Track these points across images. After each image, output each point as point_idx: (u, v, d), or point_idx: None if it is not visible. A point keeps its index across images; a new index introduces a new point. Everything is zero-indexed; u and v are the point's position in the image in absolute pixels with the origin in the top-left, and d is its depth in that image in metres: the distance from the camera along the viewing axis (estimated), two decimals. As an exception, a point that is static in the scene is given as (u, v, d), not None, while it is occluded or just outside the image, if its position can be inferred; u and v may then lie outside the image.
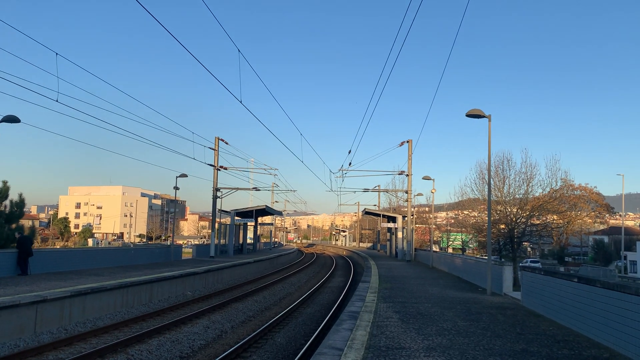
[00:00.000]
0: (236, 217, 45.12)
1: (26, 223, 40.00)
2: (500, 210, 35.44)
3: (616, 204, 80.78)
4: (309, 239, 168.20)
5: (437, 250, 58.70)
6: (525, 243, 51.81)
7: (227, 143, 38.76)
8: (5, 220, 22.14)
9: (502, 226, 35.80)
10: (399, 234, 44.27)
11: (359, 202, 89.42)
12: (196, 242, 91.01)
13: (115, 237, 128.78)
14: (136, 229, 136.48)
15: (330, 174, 60.87)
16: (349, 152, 71.41)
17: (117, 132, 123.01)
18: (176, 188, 35.84)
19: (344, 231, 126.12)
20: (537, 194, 36.24)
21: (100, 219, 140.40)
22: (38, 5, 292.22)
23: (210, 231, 41.02)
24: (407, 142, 39.70)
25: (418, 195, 48.03)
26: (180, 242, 76.42)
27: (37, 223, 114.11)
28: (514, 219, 35.01)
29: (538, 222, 37.14)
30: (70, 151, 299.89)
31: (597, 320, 9.64)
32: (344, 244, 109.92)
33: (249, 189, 48.07)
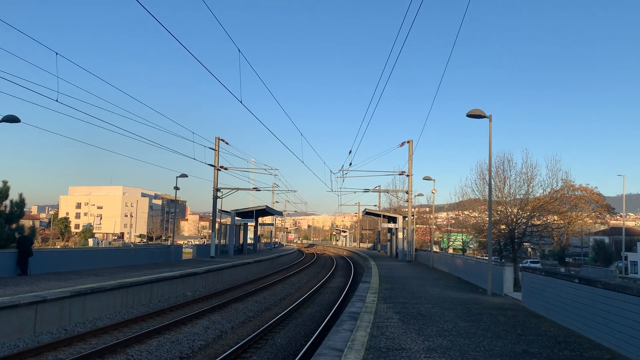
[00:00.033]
0: (236, 218, 45.10)
1: (26, 223, 40.00)
2: (500, 211, 35.44)
3: (617, 204, 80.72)
4: (310, 240, 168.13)
5: (438, 250, 58.68)
6: (526, 244, 51.82)
7: (227, 143, 38.76)
8: (5, 220, 22.13)
9: (503, 227, 35.80)
10: (400, 235, 44.26)
11: (359, 203, 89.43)
12: (196, 243, 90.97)
13: (116, 237, 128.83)
14: (136, 229, 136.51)
15: (330, 174, 60.57)
16: (350, 152, 71.48)
17: (117, 132, 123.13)
18: (176, 188, 35.87)
19: (344, 231, 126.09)
20: (537, 195, 36.29)
21: (101, 219, 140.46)
22: (38, 5, 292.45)
23: (210, 231, 41.00)
24: (408, 142, 39.68)
25: (418, 195, 47.89)
26: (181, 242, 76.41)
27: (37, 223, 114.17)
28: (514, 220, 35.00)
29: (539, 222, 37.15)
30: (70, 151, 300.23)
31: (598, 322, 9.61)
32: (344, 245, 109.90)
33: (249, 189, 48.07)
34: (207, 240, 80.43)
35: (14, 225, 22.49)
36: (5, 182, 22.59)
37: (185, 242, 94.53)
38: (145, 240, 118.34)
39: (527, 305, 14.28)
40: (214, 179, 38.45)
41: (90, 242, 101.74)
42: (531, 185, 35.44)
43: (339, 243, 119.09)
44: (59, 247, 75.68)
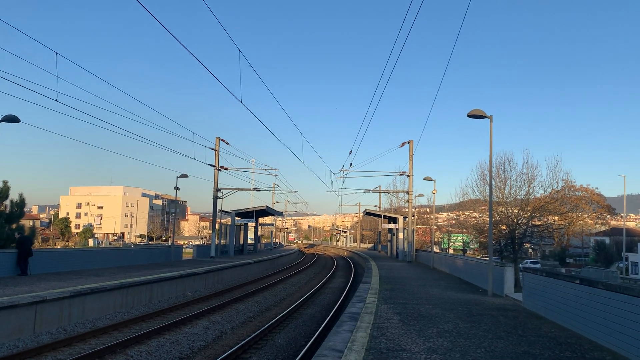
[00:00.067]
0: (237, 218, 45.07)
1: (27, 223, 39.98)
2: (501, 211, 35.37)
3: (618, 205, 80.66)
4: (310, 240, 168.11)
5: (438, 251, 58.62)
6: (527, 244, 51.73)
7: (227, 143, 38.74)
8: (5, 220, 22.09)
9: (504, 227, 35.72)
10: (400, 235, 44.22)
11: (359, 203, 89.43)
12: (197, 243, 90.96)
13: (116, 238, 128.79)
14: (137, 229, 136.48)
15: (331, 174, 60.67)
16: (350, 152, 71.47)
17: (117, 132, 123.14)
18: (177, 188, 35.84)
19: (344, 232, 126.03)
20: (538, 195, 36.18)
21: (101, 219, 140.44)
22: (38, 5, 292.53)
23: (210, 232, 40.97)
24: (408, 142, 39.64)
25: (419, 196, 47.88)
26: (181, 242, 76.40)
27: (38, 223, 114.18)
28: (515, 220, 34.92)
29: (539, 223, 37.04)
30: (71, 151, 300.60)
31: (599, 323, 9.57)
32: (344, 245, 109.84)
33: (249, 190, 48.05)
34: (208, 241, 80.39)
35: (14, 225, 22.46)
36: (5, 182, 22.56)
37: (186, 242, 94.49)
38: (145, 241, 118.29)
39: (527, 306, 14.24)
40: (214, 179, 38.43)
41: (91, 242, 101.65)
42: (532, 185, 35.37)
43: (340, 243, 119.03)
44: (59, 247, 75.65)
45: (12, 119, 17.35)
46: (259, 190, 47.33)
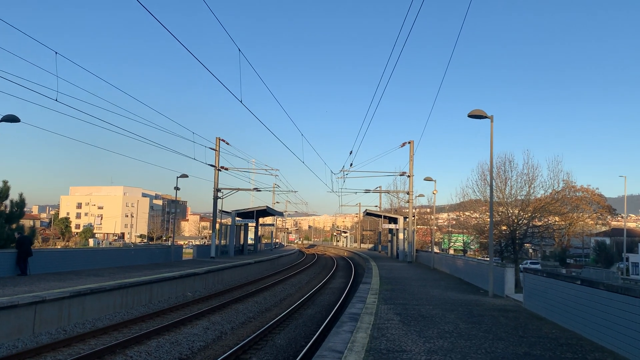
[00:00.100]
0: (237, 218, 45.06)
1: (27, 223, 39.99)
2: (501, 212, 35.34)
3: (618, 205, 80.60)
4: (310, 240, 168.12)
5: (438, 251, 58.56)
6: (527, 245, 51.68)
7: (228, 143, 38.72)
8: (5, 220, 22.09)
9: (504, 227, 35.70)
10: (400, 235, 44.18)
11: (360, 203, 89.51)
12: (197, 243, 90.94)
13: (116, 238, 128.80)
14: (137, 229, 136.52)
15: (331, 174, 60.78)
16: (350, 152, 71.40)
17: (117, 132, 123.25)
18: (177, 188, 35.79)
19: (345, 232, 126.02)
20: (539, 196, 36.19)
21: (102, 219, 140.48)
22: (38, 4, 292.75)
23: (211, 232, 40.94)
24: (409, 143, 39.62)
25: (419, 196, 47.84)
26: (181, 242, 76.36)
27: (38, 223, 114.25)
28: (515, 221, 34.90)
29: (540, 223, 37.04)
30: (71, 151, 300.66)
31: (600, 324, 9.53)
32: (345, 245, 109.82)
33: (249, 190, 48.03)
34: (208, 241, 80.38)
35: (14, 225, 22.46)
36: (5, 182, 22.56)
37: (186, 242, 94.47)
38: (145, 241, 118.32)
39: (528, 306, 14.20)
40: (215, 180, 38.41)
41: (91, 242, 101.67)
42: (532, 186, 35.38)
43: (340, 244, 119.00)
44: (59, 247, 75.66)
45: (12, 118, 17.32)
46: (259, 191, 47.37)
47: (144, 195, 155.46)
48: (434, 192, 34.85)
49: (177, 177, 34.86)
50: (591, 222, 73.32)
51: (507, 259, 36.70)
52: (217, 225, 40.21)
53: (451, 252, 70.08)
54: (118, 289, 16.65)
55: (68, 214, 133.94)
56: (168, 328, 14.13)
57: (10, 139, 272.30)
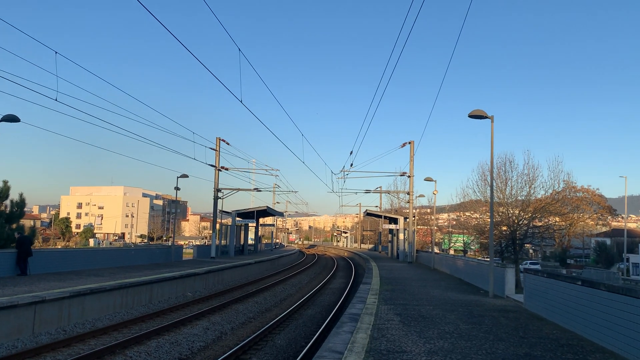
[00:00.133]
0: (237, 218, 45.05)
1: (27, 223, 39.99)
2: (502, 212, 35.28)
3: (619, 206, 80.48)
4: (311, 240, 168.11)
5: (439, 251, 58.53)
6: (528, 245, 51.63)
7: (228, 144, 38.71)
8: (5, 220, 22.08)
9: (504, 228, 35.64)
10: (401, 236, 44.14)
11: (360, 204, 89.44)
12: (197, 243, 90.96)
13: (117, 238, 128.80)
14: (137, 230, 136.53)
15: (331, 175, 60.84)
16: (351, 153, 71.36)
17: (118, 132, 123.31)
18: (177, 188, 35.78)
19: (345, 232, 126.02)
20: (539, 196, 36.09)
21: (102, 219, 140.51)
22: (37, 4, 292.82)
23: (211, 232, 40.94)
24: (409, 143, 39.59)
25: (420, 196, 47.83)
26: (182, 242, 76.34)
27: (38, 223, 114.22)
28: (516, 221, 34.84)
29: (540, 224, 36.96)
30: (71, 151, 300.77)
31: (601, 324, 9.51)
32: (345, 245, 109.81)
33: (250, 190, 48.04)
34: (208, 241, 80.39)
35: (14, 225, 22.44)
36: (5, 182, 22.55)
37: (186, 242, 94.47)
38: (146, 241, 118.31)
39: (529, 307, 14.18)
40: (215, 180, 38.40)
41: (91, 242, 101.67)
42: (533, 186, 35.29)
43: (340, 244, 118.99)
44: (59, 247, 75.64)
45: (12, 118, 17.31)
46: (260, 191, 47.36)
47: (145, 195, 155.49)
48: (435, 192, 34.83)
49: (178, 177, 34.87)
50: (591, 222, 73.24)
51: (507, 260, 36.64)
52: (218, 226, 40.19)
53: (451, 252, 70.01)
54: (118, 289, 16.63)
55: (68, 214, 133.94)
56: (168, 328, 14.11)
57: (10, 139, 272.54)
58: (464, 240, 70.26)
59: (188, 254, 45.10)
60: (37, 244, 61.55)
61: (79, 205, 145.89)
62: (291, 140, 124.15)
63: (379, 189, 61.01)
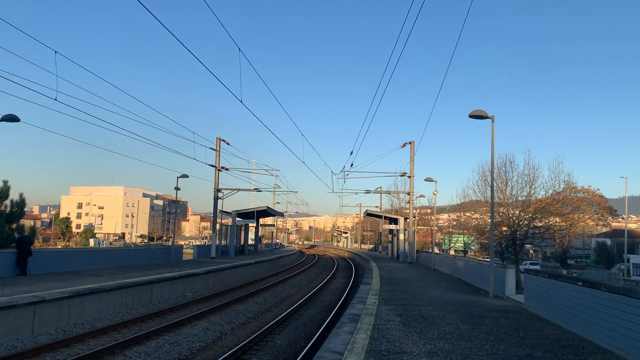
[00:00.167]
0: (237, 218, 45.03)
1: (27, 223, 39.96)
2: (502, 213, 35.25)
3: (619, 206, 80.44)
4: (311, 241, 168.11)
5: (439, 252, 58.52)
6: (528, 245, 51.61)
7: (228, 144, 38.70)
8: (5, 220, 22.06)
9: (505, 228, 35.60)
10: (401, 236, 44.12)
11: (360, 204, 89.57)
12: (197, 243, 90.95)
13: (117, 238, 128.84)
14: (138, 230, 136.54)
15: (332, 175, 60.84)
16: (351, 153, 71.37)
17: (118, 132, 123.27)
18: (177, 189, 35.76)
19: (345, 233, 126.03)
20: (539, 196, 36.05)
21: (102, 219, 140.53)
22: (37, 3, 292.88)
23: (211, 232, 40.92)
24: (410, 143, 39.55)
25: (420, 197, 47.81)
26: (182, 242, 76.33)
27: (38, 223, 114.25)
28: (516, 221, 34.81)
29: (540, 224, 36.92)
30: (71, 151, 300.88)
31: (602, 325, 9.47)
32: (345, 246, 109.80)
33: (250, 190, 48.03)
34: (208, 241, 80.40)
35: (14, 225, 22.43)
36: (5, 182, 22.54)
37: (186, 242, 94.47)
38: (146, 241, 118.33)
39: (529, 308, 14.15)
40: (215, 180, 38.38)
41: (91, 242, 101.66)
42: (533, 186, 35.25)
43: (340, 244, 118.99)
44: (59, 247, 75.63)
45: (12, 118, 17.29)
46: (260, 191, 47.35)
47: (145, 195, 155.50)
48: (435, 192, 34.81)
49: (178, 177, 34.85)
50: (592, 223, 73.23)
51: (507, 260, 36.62)
52: (218, 226, 40.17)
53: (452, 252, 70.00)
54: (118, 289, 16.61)
55: (69, 214, 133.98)
56: (168, 328, 14.08)
57: (10, 138, 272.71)
58: (464, 241, 70.23)
59: (188, 254, 45.08)
60: (37, 244, 61.53)
61: (79, 205, 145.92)
62: (291, 140, 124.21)
63: (379, 189, 61.01)
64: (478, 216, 42.35)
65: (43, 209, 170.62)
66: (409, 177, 40.64)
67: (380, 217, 53.81)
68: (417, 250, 42.90)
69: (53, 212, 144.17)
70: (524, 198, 35.43)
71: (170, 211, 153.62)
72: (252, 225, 51.72)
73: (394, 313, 12.82)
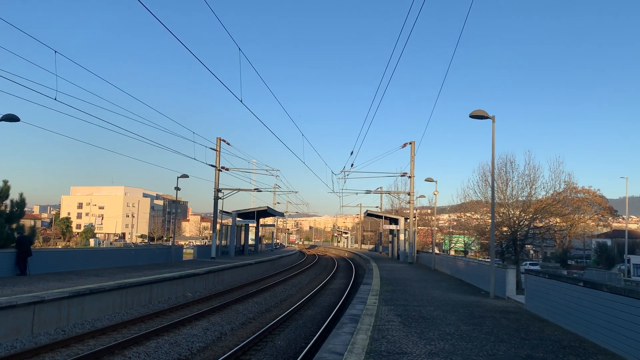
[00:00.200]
0: (238, 218, 44.99)
1: (27, 223, 39.97)
2: (503, 213, 35.22)
3: (620, 207, 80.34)
4: (311, 241, 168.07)
5: (439, 252, 58.50)
6: (528, 246, 51.56)
7: (228, 144, 38.67)
8: (5, 220, 22.02)
9: (505, 229, 35.58)
10: (401, 236, 44.07)
11: (361, 204, 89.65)
12: (198, 243, 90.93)
13: (117, 238, 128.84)
14: (138, 230, 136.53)
15: (332, 175, 60.77)
16: (351, 153, 71.36)
17: (118, 132, 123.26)
18: (177, 189, 35.71)
19: (345, 233, 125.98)
20: (540, 197, 36.04)
21: (102, 219, 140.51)
22: (37, 3, 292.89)
23: (211, 232, 40.89)
24: (410, 143, 39.51)
25: (420, 197, 47.71)
26: (182, 242, 76.31)
27: (39, 223, 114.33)
28: (516, 222, 34.78)
29: (541, 224, 36.91)
30: (72, 151, 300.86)
31: (603, 326, 9.44)
32: (345, 246, 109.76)
33: (250, 190, 48.01)
34: (209, 241, 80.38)
35: (14, 225, 22.39)
36: (5, 182, 22.49)
37: (187, 242, 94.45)
38: (146, 241, 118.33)
39: (530, 308, 14.11)
40: (215, 180, 38.35)
41: (92, 242, 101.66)
42: (534, 187, 35.24)
43: (341, 244, 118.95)
44: (60, 247, 75.61)
45: (11, 118, 17.26)
46: (260, 191, 47.32)
47: (145, 195, 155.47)
48: (435, 192, 34.79)
49: (178, 178, 34.79)
50: (592, 223, 73.17)
51: (508, 260, 36.59)
52: (218, 226, 40.14)
53: (452, 253, 69.96)
54: (117, 289, 16.58)
55: (69, 214, 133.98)
56: (167, 329, 14.05)
57: (10, 138, 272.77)
58: (464, 241, 70.20)
59: (188, 254, 45.05)
60: (38, 244, 61.49)
61: (80, 205, 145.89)
62: (292, 140, 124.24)
63: (379, 189, 60.97)
64: (478, 216, 42.34)
65: (43, 209, 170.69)
66: (410, 177, 40.61)
67: (380, 217, 53.79)
68: (417, 251, 42.86)
69: (53, 212, 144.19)
70: (524, 198, 35.41)
71: (171, 211, 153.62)
72: (252, 225, 51.65)
73: (394, 313, 12.78)
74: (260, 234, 61.89)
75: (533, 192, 35.32)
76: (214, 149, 36.92)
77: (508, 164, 35.80)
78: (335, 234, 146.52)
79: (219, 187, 38.85)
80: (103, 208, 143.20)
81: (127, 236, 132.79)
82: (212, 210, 40.48)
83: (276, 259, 44.46)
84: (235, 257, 41.81)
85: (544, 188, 35.91)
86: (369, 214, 57.52)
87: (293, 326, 16.02)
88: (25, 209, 23.99)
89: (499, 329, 11.05)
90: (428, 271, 30.30)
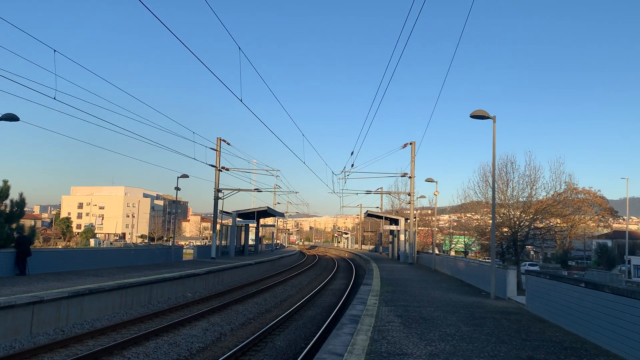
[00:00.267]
0: (238, 219, 44.96)
1: (28, 223, 39.90)
2: (503, 214, 35.15)
3: (620, 207, 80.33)
4: (311, 241, 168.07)
5: (440, 253, 58.43)
6: (529, 246, 51.51)
7: (229, 144, 38.64)
8: (5, 219, 21.97)
9: (505, 229, 35.51)
10: (402, 237, 44.02)
11: (361, 204, 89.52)
12: (198, 243, 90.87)
13: (117, 238, 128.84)
14: (138, 230, 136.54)
15: (332, 175, 60.74)
16: (352, 153, 71.25)
17: (118, 131, 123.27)
18: (177, 189, 35.68)
19: (346, 233, 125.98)
20: (540, 197, 35.96)
21: (103, 219, 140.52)
22: (36, 2, 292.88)
23: (212, 232, 40.86)
24: (410, 144, 39.48)
25: (420, 197, 47.63)
26: (182, 243, 76.26)
27: (39, 223, 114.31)
28: (517, 222, 34.71)
29: (541, 225, 36.82)
30: (71, 151, 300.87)
31: (605, 327, 9.39)
32: (346, 246, 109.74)
33: (250, 190, 47.99)
34: (209, 241, 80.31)
35: (14, 225, 22.34)
36: (5, 182, 22.44)
37: (187, 243, 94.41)
38: (146, 241, 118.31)
39: (531, 309, 14.06)
40: (215, 180, 38.31)
41: (92, 242, 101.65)
42: (534, 187, 35.14)
43: (341, 245, 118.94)
44: (60, 247, 75.58)
45: (11, 117, 17.23)
46: (260, 191, 47.29)
47: (145, 195, 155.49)
48: (436, 193, 34.75)
49: (178, 178, 34.77)
50: (593, 224, 73.11)
51: (508, 261, 36.52)
52: (218, 226, 40.10)
53: (452, 253, 69.91)
54: (117, 290, 16.54)
55: (69, 214, 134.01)
56: (167, 329, 14.01)
57: (10, 138, 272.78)
58: (465, 242, 70.14)
59: (188, 254, 45.02)
60: (38, 244, 61.48)
61: (80, 205, 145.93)
62: (292, 140, 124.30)
63: (379, 189, 60.96)
64: (479, 217, 42.25)
65: (44, 208, 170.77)
66: (410, 177, 40.57)
67: (380, 217, 53.74)
68: (417, 251, 42.81)
69: (54, 212, 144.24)
70: (525, 199, 35.34)
71: (171, 211, 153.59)
72: (252, 225, 51.60)
73: (394, 314, 12.74)
74: (260, 235, 61.85)
75: (534, 192, 35.25)
76: (214, 149, 36.89)
77: (509, 164, 35.75)
78: (336, 235, 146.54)
79: (219, 187, 38.83)
80: (103, 208, 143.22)
81: (127, 236, 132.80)
82: (212, 211, 40.45)
83: (276, 260, 44.42)
84: (235, 257, 41.77)
85: (544, 189, 35.85)
86: (369, 215, 57.47)
87: (293, 327, 15.98)
88: (26, 209, 23.94)
89: (499, 329, 11.00)
90: (428, 272, 30.25)
